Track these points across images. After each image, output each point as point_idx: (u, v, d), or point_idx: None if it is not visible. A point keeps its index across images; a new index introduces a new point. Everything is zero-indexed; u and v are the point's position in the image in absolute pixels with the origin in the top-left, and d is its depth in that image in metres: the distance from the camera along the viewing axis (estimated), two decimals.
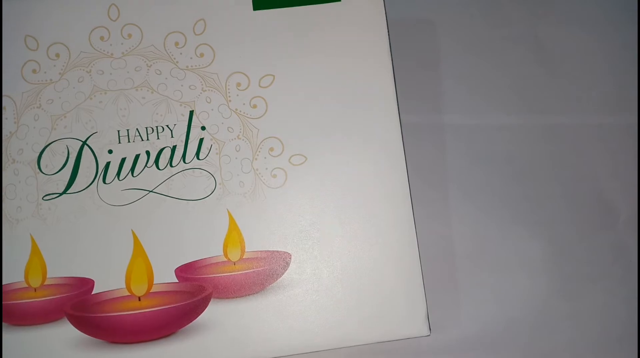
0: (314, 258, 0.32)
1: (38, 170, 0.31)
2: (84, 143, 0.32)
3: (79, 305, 0.30)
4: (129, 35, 0.33)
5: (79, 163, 0.32)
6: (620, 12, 0.41)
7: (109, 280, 0.31)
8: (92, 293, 0.31)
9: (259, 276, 0.31)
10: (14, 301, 0.30)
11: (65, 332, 0.30)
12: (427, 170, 0.39)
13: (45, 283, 0.31)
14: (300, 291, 0.31)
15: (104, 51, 0.32)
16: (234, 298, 0.31)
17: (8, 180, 0.31)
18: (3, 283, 0.31)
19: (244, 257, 0.32)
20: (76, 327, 0.30)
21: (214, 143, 0.32)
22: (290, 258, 0.32)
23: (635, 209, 0.38)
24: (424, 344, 0.37)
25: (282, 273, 0.32)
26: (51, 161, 0.32)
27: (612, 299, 0.37)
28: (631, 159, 0.39)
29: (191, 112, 0.32)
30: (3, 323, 0.30)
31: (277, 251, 0.32)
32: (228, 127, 0.32)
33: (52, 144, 0.32)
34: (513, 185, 0.39)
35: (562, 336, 0.36)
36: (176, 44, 0.33)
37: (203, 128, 0.32)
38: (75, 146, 0.32)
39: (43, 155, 0.32)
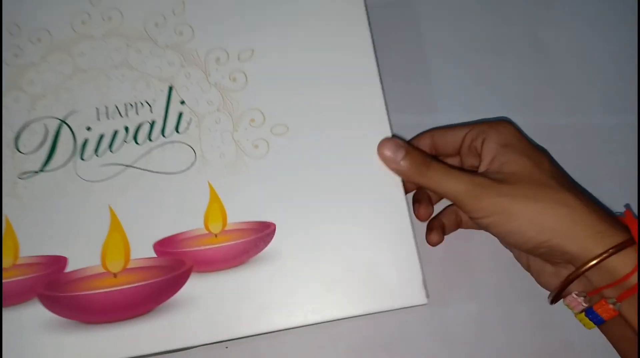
0: (299, 228, 0.30)
1: (15, 150, 0.31)
2: (63, 121, 0.31)
3: (51, 285, 0.29)
4: (109, 18, 0.33)
5: (57, 141, 0.31)
6: (621, 12, 0.41)
7: (83, 257, 0.29)
8: (65, 271, 0.29)
9: (242, 247, 0.30)
10: None
11: (36, 313, 0.28)
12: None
13: (17, 262, 0.29)
14: (285, 263, 0.29)
15: (85, 33, 0.33)
16: (215, 271, 0.29)
17: None
18: None
19: (225, 229, 0.30)
20: (48, 308, 0.28)
21: (193, 117, 0.32)
22: (275, 229, 0.30)
23: (635, 210, 0.36)
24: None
25: (267, 245, 0.30)
26: (29, 140, 0.31)
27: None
28: (631, 159, 0.38)
29: (170, 88, 0.32)
30: None
31: (261, 222, 0.30)
32: (207, 101, 0.32)
33: (31, 124, 0.31)
34: None
35: (562, 336, 0.34)
36: (156, 24, 0.33)
37: (182, 102, 0.32)
38: (53, 125, 0.31)
39: (21, 135, 0.31)
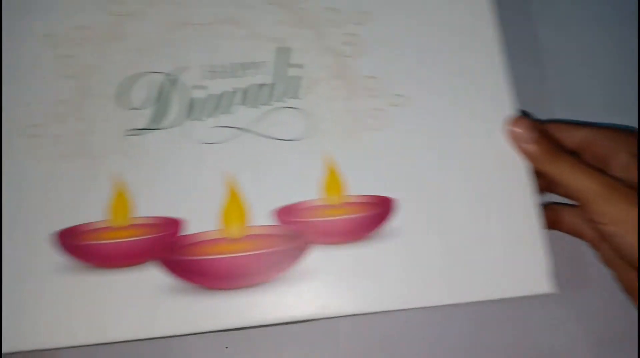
0: (420, 205, 0.30)
1: (118, 105, 0.29)
2: (171, 77, 0.30)
3: (170, 248, 0.28)
4: None
5: (166, 98, 0.29)
6: (621, 11, 0.41)
7: (200, 220, 0.28)
8: (183, 233, 0.28)
9: (362, 222, 0.29)
10: (98, 242, 0.27)
11: (154, 275, 0.27)
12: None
13: (132, 222, 0.28)
14: (407, 240, 0.29)
15: None
16: (334, 243, 0.29)
17: (88, 113, 0.29)
18: (84, 223, 0.28)
19: (345, 201, 0.29)
20: (169, 271, 0.27)
21: (308, 82, 0.30)
22: (395, 204, 0.30)
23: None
24: None
25: (386, 220, 0.29)
26: (136, 95, 0.29)
27: (612, 299, 0.35)
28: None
29: (283, 49, 0.31)
30: (86, 264, 0.27)
31: (381, 197, 0.30)
32: (323, 66, 0.31)
33: (140, 78, 0.29)
34: None
35: (562, 336, 0.35)
36: None
37: (297, 66, 0.31)
38: (161, 81, 0.29)
39: (125, 90, 0.29)
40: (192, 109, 0.29)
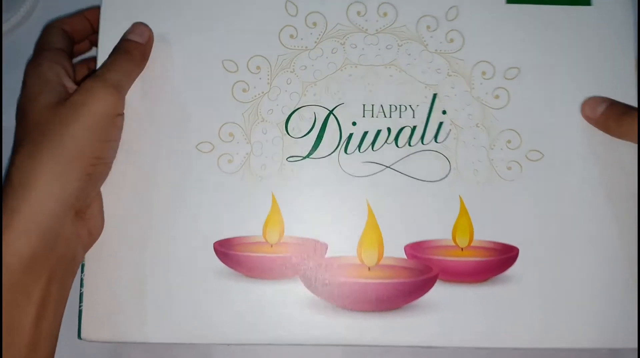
0: (541, 256, 0.32)
1: (285, 132, 0.33)
2: (331, 112, 0.33)
3: (314, 267, 0.31)
4: (385, 14, 0.33)
5: (324, 131, 0.33)
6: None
7: (342, 246, 0.32)
8: (325, 256, 0.32)
9: (485, 266, 0.32)
10: (250, 254, 0.32)
11: (296, 290, 0.31)
12: None
13: (282, 240, 0.32)
14: (523, 288, 0.32)
15: (359, 25, 0.33)
16: (457, 283, 0.32)
17: (256, 137, 0.33)
18: (241, 235, 0.32)
19: (472, 245, 0.32)
20: (308, 288, 0.31)
21: (452, 128, 0.33)
22: (518, 253, 0.32)
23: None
24: None
25: (508, 267, 0.32)
26: (298, 125, 0.33)
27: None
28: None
29: (434, 95, 0.33)
30: (239, 273, 0.32)
31: (506, 245, 0.32)
32: (468, 114, 0.33)
33: (300, 109, 0.33)
34: None
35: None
36: (428, 27, 0.33)
37: (444, 112, 0.33)
38: (322, 114, 0.33)
39: (291, 118, 0.33)
40: (346, 143, 0.32)
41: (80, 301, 0.31)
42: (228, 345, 0.35)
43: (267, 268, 0.32)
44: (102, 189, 0.32)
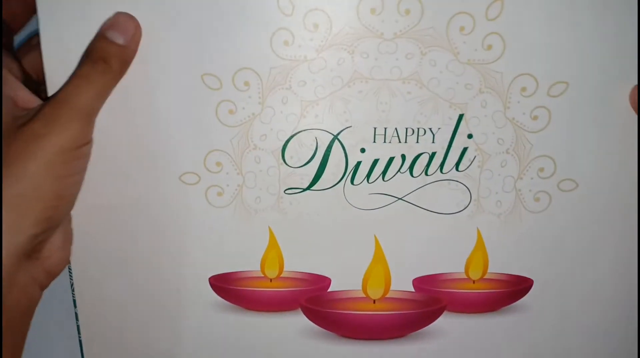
0: (555, 288, 0.30)
1: (282, 161, 0.28)
2: (336, 137, 0.28)
3: (315, 300, 0.30)
4: (407, 12, 0.26)
5: (328, 159, 0.28)
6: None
7: (346, 280, 0.30)
8: (328, 290, 0.30)
9: (496, 297, 0.30)
10: (249, 288, 0.30)
11: (297, 322, 0.31)
12: None
13: (282, 275, 0.30)
14: (533, 317, 0.31)
15: (372, 27, 0.26)
16: (467, 313, 0.31)
17: (248, 167, 0.28)
18: (240, 270, 0.30)
19: (484, 277, 0.30)
20: (310, 319, 0.30)
21: (478, 155, 0.28)
22: (532, 285, 0.30)
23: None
24: None
25: (520, 298, 0.30)
26: (297, 152, 0.28)
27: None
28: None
29: (460, 116, 0.27)
30: (238, 307, 0.30)
31: (520, 277, 0.30)
32: (498, 139, 0.28)
33: (299, 134, 0.28)
34: None
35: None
36: (461, 29, 0.26)
37: (470, 136, 0.28)
38: (325, 140, 0.28)
39: (289, 145, 0.28)
40: (353, 173, 0.28)
41: (78, 332, 0.31)
42: None
43: (264, 301, 0.30)
44: (77, 219, 0.28)
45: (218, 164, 0.28)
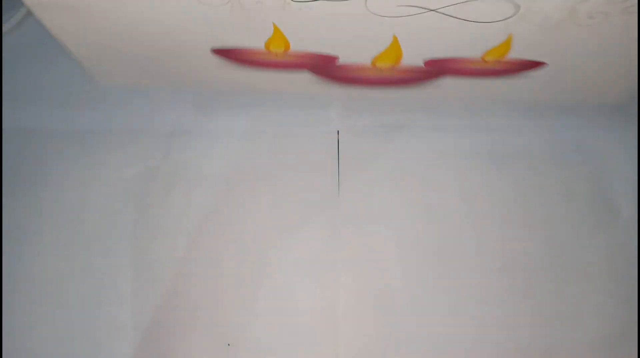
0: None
1: None
2: None
3: (323, 67, 0.30)
4: None
5: None
6: None
7: (355, 57, 0.29)
8: (336, 64, 0.29)
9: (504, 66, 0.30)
10: (253, 59, 0.29)
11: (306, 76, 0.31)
12: None
13: (288, 53, 0.28)
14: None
15: None
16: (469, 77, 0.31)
17: None
18: (243, 47, 0.28)
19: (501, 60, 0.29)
20: (318, 75, 0.31)
21: None
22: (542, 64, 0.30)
23: (635, 208, 0.33)
24: None
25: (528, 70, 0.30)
26: None
27: (612, 299, 0.35)
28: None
29: None
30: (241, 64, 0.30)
31: (532, 61, 0.29)
32: None
33: None
34: (511, 184, 0.34)
35: (561, 336, 0.33)
36: None
37: None
38: None
39: None
40: None
41: None
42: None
43: (272, 64, 0.30)
44: None
45: None
